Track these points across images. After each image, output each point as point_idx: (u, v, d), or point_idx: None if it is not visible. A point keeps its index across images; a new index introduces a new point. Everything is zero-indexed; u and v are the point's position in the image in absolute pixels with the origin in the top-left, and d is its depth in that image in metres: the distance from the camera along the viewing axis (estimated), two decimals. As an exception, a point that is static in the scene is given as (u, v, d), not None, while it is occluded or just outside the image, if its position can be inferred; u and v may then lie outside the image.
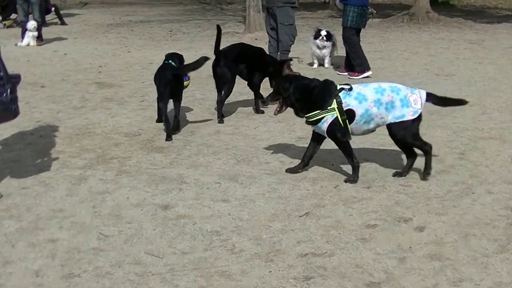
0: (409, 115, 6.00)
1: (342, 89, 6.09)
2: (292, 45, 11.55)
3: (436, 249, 4.76)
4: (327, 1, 28.00)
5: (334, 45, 12.44)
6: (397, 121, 6.02)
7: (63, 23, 21.49)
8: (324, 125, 6.08)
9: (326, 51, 12.34)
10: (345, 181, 6.15)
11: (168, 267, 4.51)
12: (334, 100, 6.02)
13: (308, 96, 6.16)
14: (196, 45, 16.06)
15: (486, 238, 4.92)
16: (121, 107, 9.25)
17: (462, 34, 18.22)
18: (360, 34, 11.82)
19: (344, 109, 6.01)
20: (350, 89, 6.07)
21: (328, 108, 6.02)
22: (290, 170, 6.43)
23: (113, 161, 6.79)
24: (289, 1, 11.28)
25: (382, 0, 30.00)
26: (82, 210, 5.49)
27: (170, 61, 8.11)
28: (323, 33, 12.23)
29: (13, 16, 19.87)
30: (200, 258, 4.63)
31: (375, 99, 6.00)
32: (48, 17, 21.56)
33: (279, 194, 5.84)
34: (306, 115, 6.19)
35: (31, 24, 15.97)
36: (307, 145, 7.19)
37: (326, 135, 6.21)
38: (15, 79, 5.71)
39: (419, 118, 6.08)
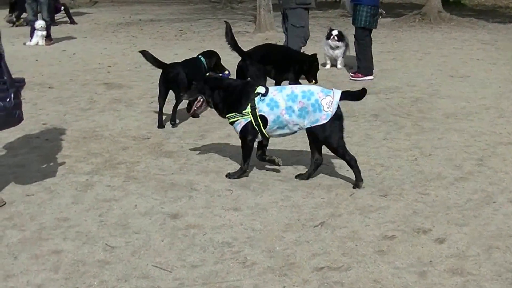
0: (322, 119, 5.89)
1: (259, 93, 6.09)
2: (302, 47, 11.33)
3: (458, 263, 4.53)
4: None
5: (347, 45, 12.19)
6: (313, 125, 5.95)
7: (72, 22, 21.37)
8: (238, 127, 6.16)
9: (339, 52, 12.09)
10: (226, 176, 6.27)
11: (177, 281, 4.30)
12: (249, 104, 6.07)
13: (228, 97, 6.22)
14: (206, 44, 15.81)
15: (511, 252, 4.69)
16: (130, 109, 9.06)
17: (474, 34, 17.93)
18: (372, 34, 11.60)
19: (258, 114, 6.05)
20: (265, 94, 6.06)
21: (243, 112, 6.08)
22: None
23: (121, 166, 6.59)
24: (303, 2, 11.06)
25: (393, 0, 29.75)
26: (87, 219, 5.29)
27: (200, 56, 8.43)
28: (335, 33, 11.98)
29: (24, 15, 19.70)
30: (210, 271, 4.43)
31: (287, 107, 5.98)
32: (58, 16, 21.46)
33: (292, 203, 5.62)
34: (226, 116, 6.24)
35: (39, 23, 15.82)
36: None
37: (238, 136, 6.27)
38: (19, 83, 5.50)
39: (337, 119, 5.95)
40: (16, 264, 4.54)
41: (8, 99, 5.30)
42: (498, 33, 18.29)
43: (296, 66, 9.20)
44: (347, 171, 6.39)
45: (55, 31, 17.40)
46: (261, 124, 6.06)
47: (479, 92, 10.09)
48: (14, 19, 20.56)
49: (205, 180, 6.17)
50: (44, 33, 15.96)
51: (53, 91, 10.32)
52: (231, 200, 5.69)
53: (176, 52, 14.29)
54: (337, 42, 11.92)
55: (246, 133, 6.14)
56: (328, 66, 12.29)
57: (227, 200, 5.69)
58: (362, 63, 11.12)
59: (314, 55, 9.55)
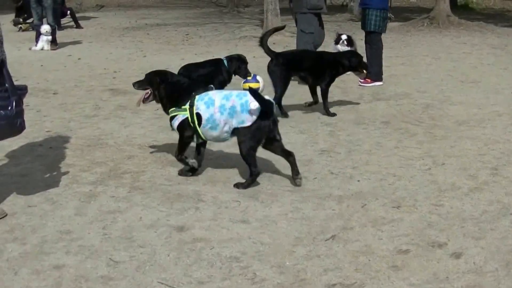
0: (248, 121, 5.89)
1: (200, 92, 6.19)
2: None
3: (476, 279, 4.35)
4: (345, 3, 27.57)
5: (355, 50, 11.96)
6: (239, 126, 5.95)
7: (78, 26, 21.30)
8: (175, 123, 6.22)
9: (347, 57, 11.88)
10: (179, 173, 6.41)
11: (184, 299, 4.14)
12: (189, 101, 6.11)
13: (173, 93, 6.30)
14: (213, 49, 15.72)
15: (530, 267, 4.51)
16: (135, 116, 8.89)
17: (484, 38, 17.78)
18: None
19: (195, 111, 6.08)
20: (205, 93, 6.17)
21: (182, 107, 6.13)
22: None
23: (126, 176, 6.42)
24: (314, 7, 10.90)
25: (400, 3, 29.56)
26: (91, 232, 5.12)
27: (223, 58, 8.51)
28: (344, 37, 11.76)
29: (31, 20, 19.61)
30: (218, 289, 4.26)
31: (220, 105, 5.99)
32: (64, 21, 21.39)
33: (302, 215, 5.44)
34: (168, 111, 6.30)
35: (44, 28, 15.73)
36: (331, 158, 6.86)
37: (176, 131, 6.33)
38: (21, 91, 5.33)
39: (260, 127, 5.92)
40: (16, 280, 4.36)
41: (9, 108, 5.14)
42: (507, 37, 18.15)
43: (332, 70, 8.97)
44: (358, 181, 6.23)
45: (61, 35, 17.30)
46: (196, 122, 6.07)
47: (491, 98, 9.91)
48: (21, 20, 20.52)
49: (212, 191, 5.99)
50: (50, 37, 15.86)
51: (58, 97, 10.19)
52: (239, 212, 5.50)
53: (183, 57, 14.15)
54: (346, 47, 11.68)
55: (183, 128, 6.20)
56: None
57: (235, 212, 5.50)
58: (374, 69, 10.89)
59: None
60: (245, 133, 5.93)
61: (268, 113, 5.91)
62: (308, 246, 4.85)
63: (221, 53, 13.25)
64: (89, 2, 30.49)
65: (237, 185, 6.07)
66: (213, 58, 8.99)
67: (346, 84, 10.80)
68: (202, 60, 9.21)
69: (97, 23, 22.76)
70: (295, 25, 11.63)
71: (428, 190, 6.00)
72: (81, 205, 5.67)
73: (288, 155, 6.16)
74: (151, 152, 7.16)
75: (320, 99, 8.93)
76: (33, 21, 17.23)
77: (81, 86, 11.04)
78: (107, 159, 6.95)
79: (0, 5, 26.73)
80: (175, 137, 7.57)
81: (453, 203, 5.70)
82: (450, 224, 5.24)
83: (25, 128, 5.40)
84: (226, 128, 6.04)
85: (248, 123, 5.88)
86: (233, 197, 5.83)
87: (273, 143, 6.10)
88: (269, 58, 8.72)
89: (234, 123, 5.96)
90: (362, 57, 9.23)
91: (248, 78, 8.40)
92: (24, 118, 5.38)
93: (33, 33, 17.11)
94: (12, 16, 21.36)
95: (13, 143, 7.19)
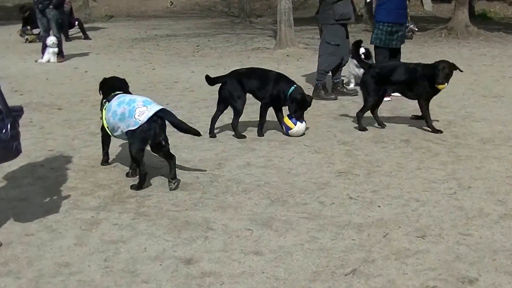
0: (131, 125, 6.19)
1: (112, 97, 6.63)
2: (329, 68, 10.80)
3: (513, 322, 3.94)
4: (360, 13, 27.13)
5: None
6: (127, 130, 6.25)
7: (86, 37, 21.05)
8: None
9: (364, 71, 11.49)
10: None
11: None
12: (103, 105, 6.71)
13: (103, 97, 6.89)
14: (224, 61, 15.36)
15: None
16: (142, 133, 8.49)
17: (504, 49, 17.31)
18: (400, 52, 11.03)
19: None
20: (110, 99, 6.59)
21: (100, 110, 6.78)
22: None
23: (130, 201, 6.02)
24: (343, 17, 10.53)
25: (416, 13, 29.12)
26: (91, 265, 4.72)
27: (293, 86, 8.25)
28: (362, 50, 11.31)
29: (36, 31, 19.35)
30: (228, 333, 3.86)
31: (113, 111, 6.39)
32: (72, 32, 21.13)
33: (320, 245, 5.02)
34: None
35: (51, 40, 15.42)
36: (348, 181, 6.47)
37: None
38: (16, 113, 4.96)
39: (142, 131, 6.16)
40: (6, 322, 3.99)
41: (4, 131, 4.78)
42: (529, 48, 17.65)
43: (423, 81, 8.56)
44: (379, 206, 5.82)
45: (68, 47, 17.01)
46: (105, 123, 6.61)
47: (516, 114, 9.47)
48: (28, 27, 20.35)
49: (222, 218, 5.58)
50: (56, 49, 15.55)
51: (62, 113, 9.84)
52: (251, 242, 5.08)
53: (193, 69, 13.82)
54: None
55: (101, 129, 6.89)
56: (352, 85, 11.71)
57: (247, 242, 5.09)
58: None
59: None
60: (132, 136, 6.21)
61: (155, 118, 6.15)
62: (327, 282, 4.44)
63: (233, 65, 12.83)
64: (98, 12, 30.30)
65: (134, 186, 6.35)
66: (287, 78, 8.39)
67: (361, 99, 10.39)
68: (274, 70, 8.81)
69: (105, 34, 22.47)
70: (309, 37, 11.23)
71: (454, 217, 5.57)
72: (82, 233, 5.28)
73: (169, 158, 6.40)
74: (157, 175, 6.75)
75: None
76: (39, 32, 16.92)
77: (87, 101, 10.69)
78: (111, 182, 6.56)
79: (8, 15, 26.57)
80: (183, 157, 7.25)
81: (482, 232, 5.27)
82: (480, 256, 4.82)
83: (21, 151, 5.05)
84: (118, 132, 6.43)
85: (131, 127, 6.16)
86: (244, 225, 5.42)
87: (159, 148, 6.36)
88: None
89: (124, 127, 6.26)
90: (453, 64, 8.71)
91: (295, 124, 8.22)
92: (21, 141, 5.02)
93: (39, 45, 16.82)
94: (19, 26, 21.13)
95: (13, 163, 6.77)
